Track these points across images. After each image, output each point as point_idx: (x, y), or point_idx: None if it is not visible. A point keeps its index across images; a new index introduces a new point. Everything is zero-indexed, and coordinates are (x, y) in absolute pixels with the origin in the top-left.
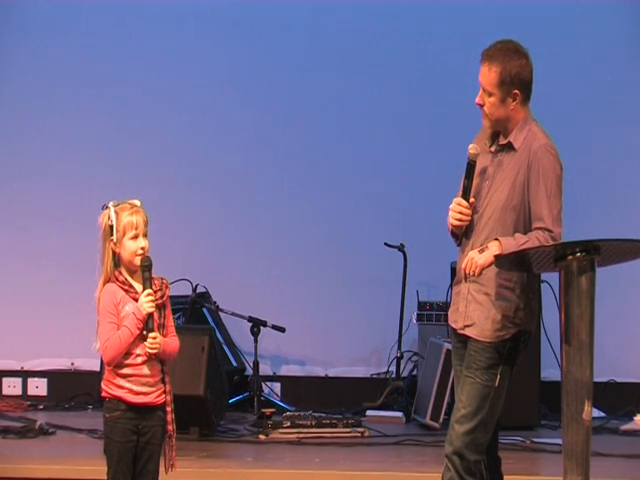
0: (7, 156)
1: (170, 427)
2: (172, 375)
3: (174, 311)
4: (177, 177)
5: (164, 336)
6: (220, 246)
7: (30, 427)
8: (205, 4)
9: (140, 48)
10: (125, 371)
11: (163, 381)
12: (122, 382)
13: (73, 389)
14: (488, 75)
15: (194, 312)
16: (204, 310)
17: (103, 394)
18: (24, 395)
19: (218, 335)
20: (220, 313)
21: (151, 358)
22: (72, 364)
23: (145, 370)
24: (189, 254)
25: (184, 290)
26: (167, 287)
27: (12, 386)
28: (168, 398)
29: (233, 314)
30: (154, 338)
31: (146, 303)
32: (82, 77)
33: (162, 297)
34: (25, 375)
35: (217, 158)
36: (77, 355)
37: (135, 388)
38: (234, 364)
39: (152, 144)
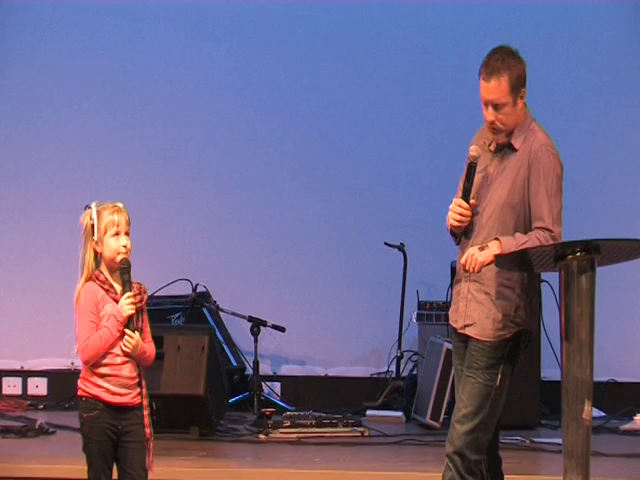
0: (7, 156)
1: (147, 430)
2: (172, 375)
3: (174, 310)
4: (177, 177)
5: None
6: (220, 246)
7: (30, 427)
8: (204, 4)
9: (139, 48)
10: (103, 370)
11: (140, 384)
12: (100, 381)
13: (73, 389)
14: (499, 88)
15: (194, 312)
16: (204, 310)
17: (80, 393)
18: (24, 395)
19: (218, 335)
20: (220, 313)
21: (129, 360)
22: (72, 364)
23: (124, 372)
24: (189, 254)
25: (184, 290)
26: (145, 292)
27: (12, 386)
28: (145, 401)
29: (233, 314)
30: (131, 337)
31: (126, 305)
32: (82, 77)
33: (141, 301)
34: (25, 375)
35: (218, 158)
36: (77, 355)
37: (112, 388)
38: (234, 364)
39: (153, 144)
